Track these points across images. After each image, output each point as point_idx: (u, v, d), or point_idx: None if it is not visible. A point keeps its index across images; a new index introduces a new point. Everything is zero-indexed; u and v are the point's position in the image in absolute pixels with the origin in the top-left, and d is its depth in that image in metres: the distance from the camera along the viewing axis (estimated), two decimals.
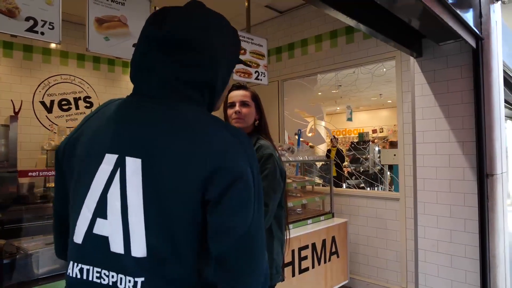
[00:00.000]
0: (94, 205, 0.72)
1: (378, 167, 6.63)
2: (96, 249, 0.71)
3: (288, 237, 1.77)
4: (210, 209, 0.70)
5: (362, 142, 7.61)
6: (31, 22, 1.99)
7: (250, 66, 3.33)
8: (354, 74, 4.23)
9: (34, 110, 4.54)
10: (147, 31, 0.80)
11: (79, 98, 4.92)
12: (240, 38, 3.29)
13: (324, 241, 3.28)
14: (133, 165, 0.70)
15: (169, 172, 0.68)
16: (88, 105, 4.99)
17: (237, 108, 1.67)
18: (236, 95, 1.70)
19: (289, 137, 4.80)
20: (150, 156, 0.70)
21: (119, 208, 0.69)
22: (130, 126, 0.74)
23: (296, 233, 3.03)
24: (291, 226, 3.13)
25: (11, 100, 3.81)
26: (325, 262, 3.27)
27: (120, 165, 0.71)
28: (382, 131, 12.10)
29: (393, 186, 5.06)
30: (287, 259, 2.87)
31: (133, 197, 0.69)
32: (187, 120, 0.73)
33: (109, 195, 0.71)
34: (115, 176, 0.71)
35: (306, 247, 3.08)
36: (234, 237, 0.69)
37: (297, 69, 4.50)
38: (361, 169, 6.78)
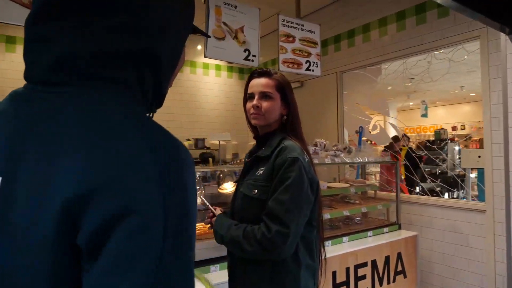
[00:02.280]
0: None
1: (458, 170, 5.77)
2: None
3: (324, 257, 1.39)
4: (83, 263, 0.42)
5: (438, 141, 6.71)
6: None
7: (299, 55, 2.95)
8: (425, 61, 3.60)
9: None
10: None
11: None
12: (289, 24, 2.93)
13: (387, 258, 2.78)
14: None
15: (26, 198, 0.42)
16: None
17: (255, 101, 1.33)
18: (256, 84, 1.35)
19: (349, 136, 4.31)
20: (13, 173, 0.45)
21: None
22: (4, 130, 0.49)
23: (352, 247, 2.59)
24: (346, 238, 2.70)
25: None
26: (388, 283, 2.77)
27: None
28: (464, 129, 10.76)
29: (467, 193, 4.27)
30: (340, 278, 2.45)
31: None
32: (77, 115, 0.46)
33: None
34: None
35: (364, 264, 2.62)
36: None
37: (358, 58, 3.99)
38: (437, 172, 5.95)
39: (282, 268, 1.21)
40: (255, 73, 1.39)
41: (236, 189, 1.39)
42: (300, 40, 2.97)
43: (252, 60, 2.72)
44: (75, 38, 0.49)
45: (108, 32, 0.50)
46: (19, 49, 4.39)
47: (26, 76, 0.53)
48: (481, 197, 3.34)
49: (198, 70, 5.66)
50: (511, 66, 2.45)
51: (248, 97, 1.39)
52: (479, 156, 3.04)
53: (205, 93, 5.71)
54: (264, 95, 1.33)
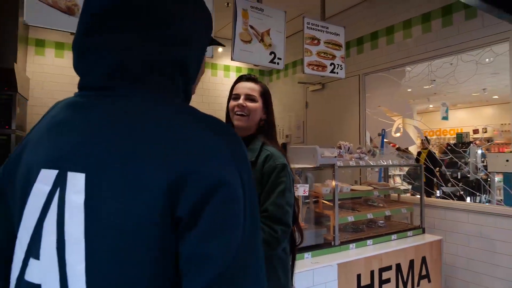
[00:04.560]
0: (28, 240, 0.53)
1: (482, 174, 5.66)
2: None
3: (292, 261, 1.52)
4: (181, 233, 0.49)
5: (460, 144, 6.60)
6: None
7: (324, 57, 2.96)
8: (452, 65, 3.55)
9: None
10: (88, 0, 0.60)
11: None
12: (314, 27, 2.95)
13: (411, 262, 2.76)
14: (75, 182, 0.51)
15: (120, 188, 0.49)
16: None
17: (240, 101, 1.44)
18: (243, 87, 1.47)
19: (371, 138, 4.29)
20: (96, 169, 0.51)
21: (54, 244, 0.50)
22: (72, 132, 0.55)
23: (377, 250, 2.58)
24: (370, 241, 2.69)
25: None
26: (412, 287, 2.75)
27: (60, 184, 0.52)
28: (486, 132, 10.52)
29: (490, 197, 4.18)
30: (365, 280, 2.45)
31: (73, 227, 0.49)
32: (147, 115, 0.54)
33: (44, 226, 0.51)
34: (53, 198, 0.52)
35: (388, 268, 2.61)
36: (211, 272, 0.48)
37: (381, 60, 3.97)
38: (459, 175, 5.85)
39: (275, 257, 1.35)
40: (243, 77, 1.51)
41: None
42: (325, 42, 2.98)
43: (278, 63, 2.75)
44: (127, 47, 0.56)
45: (151, 42, 0.57)
46: (48, 52, 4.55)
47: (82, 84, 0.60)
48: (507, 201, 3.28)
49: (219, 72, 5.72)
50: None
51: (232, 97, 1.48)
52: (507, 160, 2.99)
53: (227, 95, 5.76)
54: (249, 98, 1.44)
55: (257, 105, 1.45)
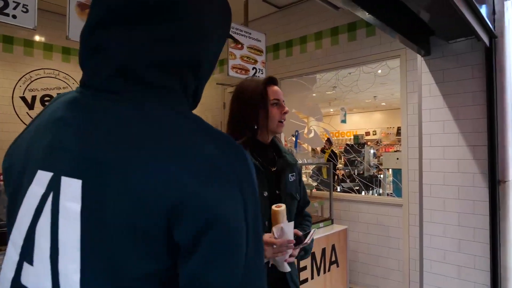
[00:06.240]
0: (21, 242, 0.51)
1: (374, 170, 6.50)
2: None
3: None
4: (182, 257, 0.47)
5: (357, 145, 7.46)
6: (1, 3, 1.74)
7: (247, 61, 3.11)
8: (355, 75, 4.04)
9: (13, 106, 4.25)
10: None
11: None
12: (238, 32, 3.08)
13: (323, 250, 3.08)
14: (71, 188, 0.48)
15: (120, 199, 0.46)
16: None
17: (286, 108, 1.34)
18: (278, 92, 1.35)
19: (285, 139, 4.60)
20: (94, 177, 0.48)
21: (47, 251, 0.48)
22: (71, 134, 0.52)
23: None
24: None
25: None
26: (324, 272, 3.07)
27: (53, 188, 0.50)
28: (375, 134, 12.02)
29: (382, 190, 4.91)
30: None
31: (68, 235, 0.47)
32: (151, 121, 0.50)
33: (37, 232, 0.50)
34: (46, 203, 0.49)
35: None
36: None
37: (295, 67, 4.30)
38: (356, 172, 6.62)
39: None
40: (273, 80, 1.39)
41: (275, 196, 1.36)
42: (248, 47, 3.13)
43: None
44: (130, 50, 0.52)
45: (159, 43, 0.53)
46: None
47: (85, 82, 0.55)
48: (397, 193, 3.86)
49: None
50: (425, 83, 2.92)
51: (273, 103, 1.33)
52: (397, 158, 3.53)
53: None
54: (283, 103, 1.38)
55: None
